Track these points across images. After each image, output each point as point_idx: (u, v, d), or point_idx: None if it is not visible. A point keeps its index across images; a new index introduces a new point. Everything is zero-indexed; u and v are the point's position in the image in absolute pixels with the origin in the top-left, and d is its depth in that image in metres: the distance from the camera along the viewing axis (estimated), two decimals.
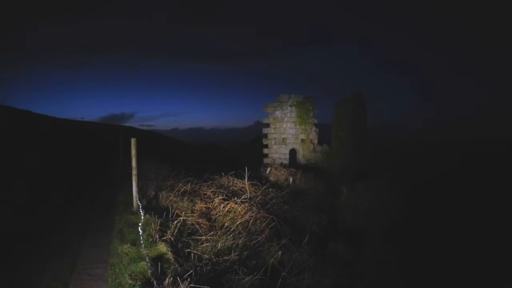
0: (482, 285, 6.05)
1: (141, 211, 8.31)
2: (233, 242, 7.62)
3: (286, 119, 23.66)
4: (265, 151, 23.89)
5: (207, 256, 6.86)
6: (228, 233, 8.21)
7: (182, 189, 10.93)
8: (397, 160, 22.03)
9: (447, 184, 12.98)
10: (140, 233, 6.88)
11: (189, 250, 6.91)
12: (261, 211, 9.70)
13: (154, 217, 7.87)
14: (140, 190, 9.73)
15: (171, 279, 5.10)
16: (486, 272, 6.31)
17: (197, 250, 6.99)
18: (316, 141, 23.81)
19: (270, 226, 9.08)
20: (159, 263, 5.64)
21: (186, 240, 7.48)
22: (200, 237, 7.71)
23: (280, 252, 7.80)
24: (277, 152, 23.66)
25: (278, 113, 23.75)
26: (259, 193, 11.81)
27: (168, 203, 9.71)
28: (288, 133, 23.69)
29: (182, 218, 8.20)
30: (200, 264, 6.28)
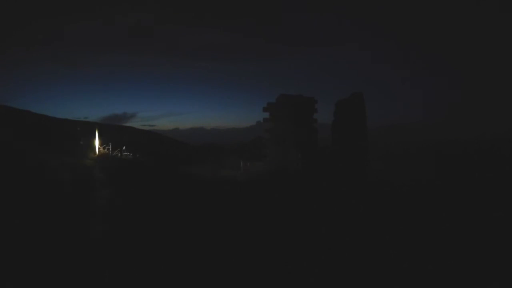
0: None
1: None
2: None
3: (285, 119, 23.59)
4: (265, 151, 23.87)
5: None
6: None
7: None
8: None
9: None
10: None
11: None
12: None
13: None
14: None
15: None
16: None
17: None
18: (316, 141, 23.77)
19: None
20: None
21: None
22: None
23: None
24: (276, 152, 23.61)
25: (278, 113, 23.70)
26: None
27: None
28: (288, 133, 23.61)
29: None
30: None
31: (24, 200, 7.15)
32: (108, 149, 19.62)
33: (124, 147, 20.45)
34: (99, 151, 17.33)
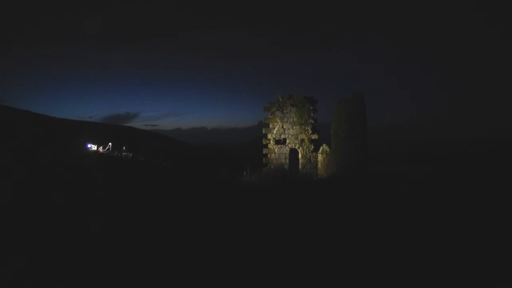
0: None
1: None
2: None
3: (286, 119, 23.60)
4: (265, 151, 23.82)
5: None
6: None
7: None
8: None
9: None
10: None
11: None
12: None
13: None
14: None
15: None
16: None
17: None
18: (316, 141, 23.73)
19: None
20: None
21: None
22: None
23: None
24: (277, 152, 23.60)
25: (278, 113, 23.69)
26: None
27: None
28: (288, 133, 23.61)
29: None
30: None
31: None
32: (108, 149, 19.56)
33: (124, 147, 20.36)
34: (97, 151, 17.24)
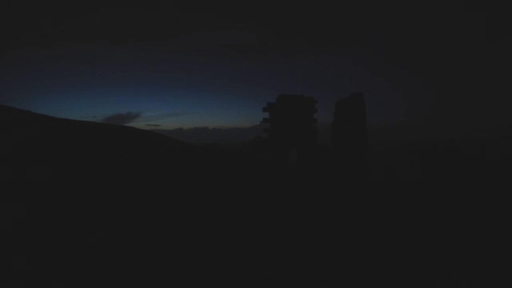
0: None
1: None
2: None
3: (285, 119, 23.48)
4: (265, 150, 23.78)
5: None
6: None
7: None
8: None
9: None
10: None
11: None
12: None
13: None
14: None
15: None
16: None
17: None
18: (316, 141, 23.66)
19: None
20: None
21: None
22: None
23: None
24: (277, 151, 23.52)
25: (278, 113, 23.61)
26: None
27: None
28: (288, 133, 23.52)
29: None
30: None
31: None
32: None
33: None
34: None
